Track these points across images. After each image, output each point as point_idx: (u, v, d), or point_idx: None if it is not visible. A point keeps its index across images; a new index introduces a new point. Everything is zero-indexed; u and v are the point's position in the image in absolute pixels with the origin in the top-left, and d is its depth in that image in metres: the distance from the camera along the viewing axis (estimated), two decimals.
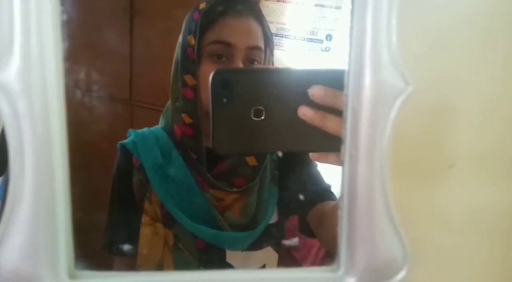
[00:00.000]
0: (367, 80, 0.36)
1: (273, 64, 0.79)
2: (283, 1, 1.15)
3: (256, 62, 0.73)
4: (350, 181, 0.38)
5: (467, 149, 0.54)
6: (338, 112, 0.43)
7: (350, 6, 0.37)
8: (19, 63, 0.33)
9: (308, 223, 0.76)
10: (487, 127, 0.54)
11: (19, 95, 0.33)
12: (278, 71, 0.53)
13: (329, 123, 0.46)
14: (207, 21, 0.72)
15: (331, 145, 0.44)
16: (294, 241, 0.76)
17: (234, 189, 0.77)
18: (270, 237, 0.78)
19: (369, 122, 0.37)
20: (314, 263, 0.84)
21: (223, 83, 0.48)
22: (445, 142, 0.54)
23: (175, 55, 0.76)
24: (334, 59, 1.13)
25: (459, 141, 0.54)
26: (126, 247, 0.76)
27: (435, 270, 0.55)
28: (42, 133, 0.33)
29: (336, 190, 0.76)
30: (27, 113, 0.33)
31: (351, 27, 0.36)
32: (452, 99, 0.53)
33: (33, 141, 0.33)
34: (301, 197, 0.74)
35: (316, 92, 0.46)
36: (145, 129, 0.80)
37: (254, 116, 0.48)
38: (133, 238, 0.75)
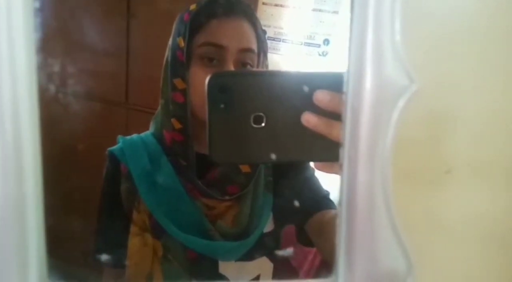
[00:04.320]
0: (368, 77, 0.34)
1: (267, 67, 0.77)
2: (281, 6, 1.16)
3: (248, 66, 0.71)
4: (349, 185, 0.35)
5: (464, 156, 0.52)
6: None
7: None
8: None
9: (307, 232, 0.73)
10: (486, 135, 0.52)
11: None
12: (280, 74, 0.48)
13: (335, 131, 0.42)
14: (197, 23, 0.70)
15: (337, 153, 0.41)
16: (288, 252, 0.73)
17: (226, 197, 0.74)
18: (265, 247, 0.76)
19: (370, 122, 0.34)
20: (310, 270, 0.82)
21: (220, 88, 0.44)
22: (442, 148, 0.52)
23: (164, 58, 0.74)
24: (331, 63, 1.13)
25: (457, 148, 0.52)
26: (114, 258, 0.74)
27: (430, 278, 0.53)
28: (11, 132, 0.31)
29: (335, 197, 0.74)
30: None
31: (352, 20, 0.34)
32: (451, 106, 0.51)
33: (1, 139, 0.30)
34: (297, 204, 0.72)
35: (321, 97, 0.43)
36: (135, 135, 0.79)
37: (254, 123, 0.44)
38: (122, 249, 0.73)
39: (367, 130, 0.34)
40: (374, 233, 0.35)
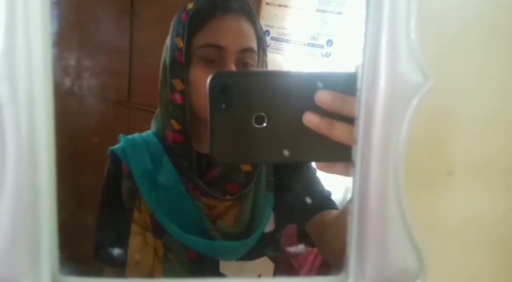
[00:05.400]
0: (383, 74, 0.34)
1: (266, 65, 0.76)
2: (285, 6, 1.16)
3: (249, 65, 0.70)
4: (361, 183, 0.35)
5: (466, 157, 0.53)
6: (346, 119, 0.40)
7: None
8: (2, 45, 0.30)
9: (307, 232, 0.73)
10: (487, 136, 0.53)
11: (2, 80, 0.30)
12: (282, 74, 0.48)
13: (337, 131, 0.42)
14: (196, 23, 0.69)
15: (339, 154, 0.41)
16: (299, 248, 0.73)
17: (227, 196, 0.74)
18: (266, 246, 0.75)
19: (384, 119, 0.34)
20: (311, 270, 0.81)
21: (221, 88, 0.44)
22: (445, 149, 0.53)
23: (162, 59, 0.73)
24: (334, 64, 1.13)
25: (459, 149, 0.53)
26: (116, 257, 0.73)
27: (430, 277, 0.54)
28: (26, 123, 0.30)
29: (336, 197, 0.74)
30: (10, 100, 0.30)
31: (367, 17, 0.34)
32: (454, 107, 0.52)
33: (16, 131, 0.30)
34: (299, 204, 0.71)
35: (323, 97, 0.42)
36: (136, 134, 0.78)
37: (255, 123, 0.44)
38: (123, 248, 0.72)
39: (380, 127, 0.34)
40: (386, 230, 0.35)
